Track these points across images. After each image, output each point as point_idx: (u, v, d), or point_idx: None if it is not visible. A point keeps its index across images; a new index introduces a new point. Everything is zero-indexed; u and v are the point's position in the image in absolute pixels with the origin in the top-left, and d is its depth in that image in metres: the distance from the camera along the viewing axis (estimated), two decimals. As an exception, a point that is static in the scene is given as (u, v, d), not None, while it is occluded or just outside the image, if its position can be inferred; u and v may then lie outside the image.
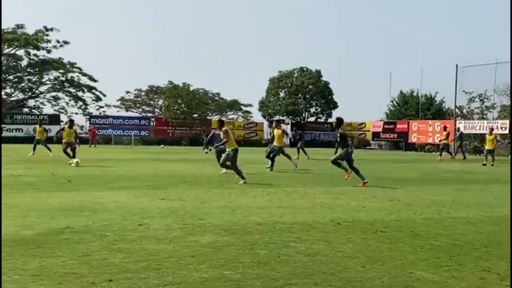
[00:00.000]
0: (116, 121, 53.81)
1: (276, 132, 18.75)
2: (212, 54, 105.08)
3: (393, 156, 35.55)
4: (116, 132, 52.96)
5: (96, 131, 47.63)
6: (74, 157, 19.31)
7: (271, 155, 18.16)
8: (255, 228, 7.02)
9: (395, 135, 52.96)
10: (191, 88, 57.31)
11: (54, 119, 50.04)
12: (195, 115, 55.26)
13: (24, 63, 55.65)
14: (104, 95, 58.65)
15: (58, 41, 55.23)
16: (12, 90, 57.90)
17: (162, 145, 46.56)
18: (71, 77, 57.03)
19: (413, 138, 50.12)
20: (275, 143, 18.50)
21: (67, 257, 5.24)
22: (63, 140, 19.93)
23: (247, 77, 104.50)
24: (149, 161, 22.71)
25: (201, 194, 10.87)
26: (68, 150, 19.73)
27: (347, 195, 11.08)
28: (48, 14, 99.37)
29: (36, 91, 58.18)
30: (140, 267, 4.92)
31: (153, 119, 58.25)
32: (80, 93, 57.62)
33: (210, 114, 60.07)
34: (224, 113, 63.43)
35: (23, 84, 57.16)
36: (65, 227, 6.73)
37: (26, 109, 58.30)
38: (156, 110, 66.09)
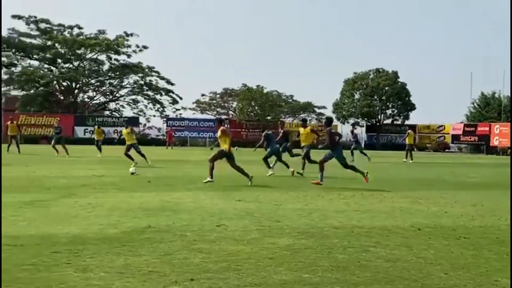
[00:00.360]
0: (192, 123, 54.95)
1: (304, 131, 17.76)
2: (286, 57, 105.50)
3: (475, 159, 34.32)
4: (192, 134, 54.09)
5: (173, 133, 48.74)
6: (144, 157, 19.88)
7: (304, 156, 17.18)
8: (332, 232, 6.96)
9: (476, 138, 51.21)
10: (265, 91, 57.70)
11: (133, 121, 51.69)
12: (269, 117, 55.56)
13: (105, 67, 57.87)
14: (181, 98, 60.09)
15: (137, 46, 57.12)
16: (94, 93, 60.33)
17: (236, 147, 47.01)
18: (150, 80, 58.77)
19: (495, 141, 48.27)
20: (303, 143, 17.53)
21: (150, 255, 5.38)
22: (127, 143, 20.33)
23: (321, 79, 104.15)
24: (223, 163, 22.98)
25: (276, 196, 10.89)
26: (130, 152, 20.05)
27: (427, 200, 10.78)
28: (129, 20, 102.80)
29: (117, 94, 60.31)
30: (220, 268, 5.00)
31: (227, 121, 59.01)
32: (157, 96, 59.26)
33: (283, 117, 60.21)
34: (297, 115, 63.39)
35: (104, 88, 59.44)
36: (147, 227, 6.92)
37: (107, 112, 60.49)
38: (230, 112, 66.95)
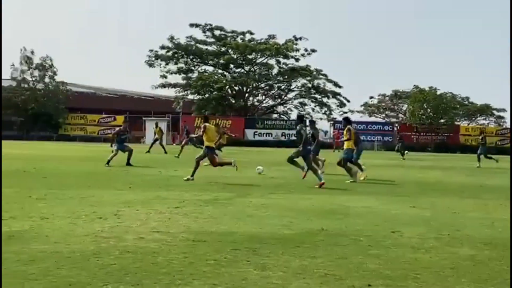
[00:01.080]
0: (360, 127, 54.41)
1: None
2: (461, 56, 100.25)
3: None
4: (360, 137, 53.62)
5: (341, 136, 48.68)
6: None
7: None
8: (519, 244, 6.48)
9: None
10: (438, 92, 55.35)
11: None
12: (442, 121, 53.21)
13: (274, 71, 59.46)
14: (348, 101, 59.86)
15: (306, 50, 57.95)
16: (263, 97, 62.33)
17: (406, 151, 45.76)
18: (317, 83, 59.29)
19: None
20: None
21: (325, 258, 5.43)
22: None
23: (500, 79, 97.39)
24: (394, 167, 22.54)
25: (452, 203, 10.40)
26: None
27: None
28: (298, 23, 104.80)
29: (285, 98, 61.72)
30: (398, 275, 4.89)
31: (396, 125, 57.64)
32: (325, 99, 59.57)
33: (458, 120, 57.34)
34: (473, 118, 59.97)
35: (273, 91, 61.15)
36: (320, 229, 6.99)
37: (275, 115, 62.18)
38: (400, 115, 65.29)
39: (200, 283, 4.44)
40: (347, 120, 16.24)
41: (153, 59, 58.40)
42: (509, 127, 55.09)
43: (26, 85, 53.73)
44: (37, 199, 9.16)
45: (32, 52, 53.94)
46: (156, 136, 29.37)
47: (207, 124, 14.37)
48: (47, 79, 54.59)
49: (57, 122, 54.03)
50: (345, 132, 15.55)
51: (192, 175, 13.46)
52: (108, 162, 17.20)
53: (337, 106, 59.80)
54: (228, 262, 5.12)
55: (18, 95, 52.36)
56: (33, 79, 54.32)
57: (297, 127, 14.64)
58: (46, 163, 18.14)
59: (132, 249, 5.55)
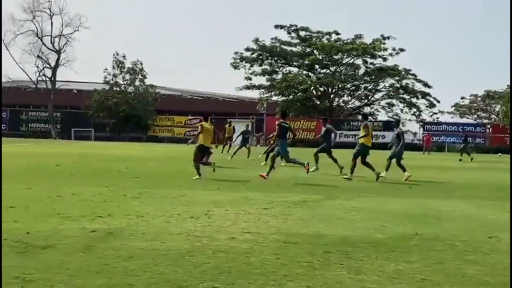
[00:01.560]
0: (450, 128, 52.77)
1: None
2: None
3: None
4: (449, 139, 51.90)
5: (431, 138, 47.38)
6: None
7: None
8: None
9: None
10: (534, 92, 52.69)
11: (388, 125, 51.65)
12: (539, 121, 50.65)
13: (361, 71, 58.72)
14: (438, 101, 58.02)
15: (394, 49, 56.80)
16: (349, 97, 61.65)
17: (499, 154, 43.97)
18: (406, 83, 57.92)
19: None
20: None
21: (421, 263, 5.30)
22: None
23: None
24: (487, 170, 21.68)
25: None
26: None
27: None
28: (386, 22, 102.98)
29: (372, 98, 60.74)
30: (498, 282, 4.73)
31: (489, 126, 55.39)
32: (413, 100, 58.04)
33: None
34: None
35: (359, 92, 60.37)
36: (414, 234, 6.83)
37: (361, 116, 61.30)
38: (493, 116, 62.70)
39: (294, 285, 4.46)
40: (364, 116, 16.60)
41: (238, 61, 59.18)
42: None
43: (118, 89, 55.93)
44: (131, 197, 9.52)
45: (124, 57, 56.15)
46: (227, 135, 29.02)
47: (203, 123, 14.70)
48: (137, 82, 56.61)
49: (146, 124, 55.85)
50: (362, 128, 15.55)
51: (267, 174, 13.97)
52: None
53: (427, 107, 58.10)
54: (321, 265, 5.11)
55: (110, 98, 54.62)
56: (125, 82, 56.47)
57: (397, 130, 15.85)
58: (137, 163, 18.80)
59: (224, 248, 5.65)
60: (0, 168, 12.49)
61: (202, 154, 14.46)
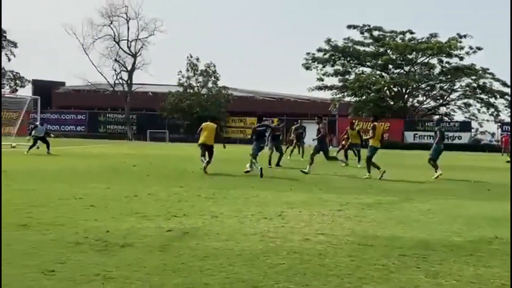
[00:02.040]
0: (531, 129, 50.53)
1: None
2: None
3: None
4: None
5: (509, 139, 45.55)
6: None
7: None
8: None
9: None
10: None
11: (465, 126, 50.11)
12: None
13: (436, 71, 57.27)
14: (518, 101, 55.59)
15: (471, 48, 55.09)
16: (424, 97, 60.21)
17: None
18: (483, 83, 55.97)
19: None
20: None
21: (501, 268, 5.11)
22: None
23: None
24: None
25: None
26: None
27: None
28: (462, 21, 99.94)
29: (447, 98, 59.09)
30: None
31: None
32: (492, 100, 55.98)
33: None
34: None
35: (434, 92, 58.87)
36: (494, 237, 6.59)
37: (437, 116, 59.72)
38: None
39: (369, 288, 4.41)
40: (375, 117, 16.77)
41: (310, 62, 59.01)
42: None
43: (191, 91, 56.93)
44: (206, 198, 9.67)
45: (198, 59, 57.07)
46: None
47: (204, 123, 16.07)
48: (210, 84, 57.39)
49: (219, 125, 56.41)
50: (370, 129, 15.80)
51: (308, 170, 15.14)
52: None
53: (505, 106, 55.85)
54: (396, 268, 5.02)
55: (184, 100, 55.67)
56: (198, 84, 57.41)
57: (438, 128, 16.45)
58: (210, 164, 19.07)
59: (298, 250, 5.65)
60: (0, 168, 12.46)
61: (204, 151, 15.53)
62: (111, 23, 59.33)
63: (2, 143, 23.00)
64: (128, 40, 59.87)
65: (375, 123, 15.74)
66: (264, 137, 16.98)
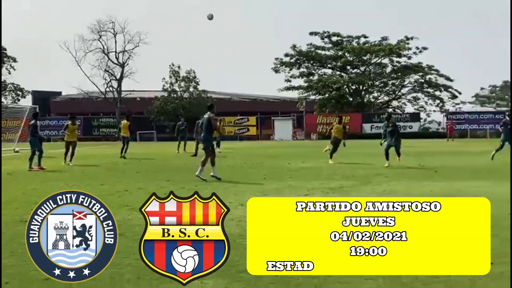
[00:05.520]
0: (472, 116, 51.43)
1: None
2: None
3: None
4: (472, 126, 50.63)
5: (454, 126, 46.30)
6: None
7: None
8: None
9: None
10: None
11: (414, 117, 50.76)
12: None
13: (388, 69, 57.77)
14: (460, 93, 56.58)
15: (417, 48, 55.70)
16: (379, 93, 60.73)
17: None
18: (429, 78, 56.69)
19: None
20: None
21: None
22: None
23: None
24: None
25: None
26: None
27: None
28: (409, 24, 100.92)
29: (399, 93, 59.69)
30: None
31: (507, 113, 53.54)
32: (437, 93, 56.78)
33: None
34: None
35: (387, 88, 59.38)
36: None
37: (390, 109, 60.29)
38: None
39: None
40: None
41: (279, 65, 59.02)
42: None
43: (175, 95, 56.54)
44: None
45: (179, 67, 56.70)
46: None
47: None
48: (191, 89, 57.05)
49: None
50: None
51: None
52: None
53: (449, 98, 56.73)
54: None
55: (169, 104, 55.30)
56: (180, 89, 57.02)
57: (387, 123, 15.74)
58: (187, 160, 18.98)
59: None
60: (0, 168, 12.14)
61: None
62: (100, 37, 58.55)
63: (6, 149, 22.54)
64: (116, 52, 59.15)
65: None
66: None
